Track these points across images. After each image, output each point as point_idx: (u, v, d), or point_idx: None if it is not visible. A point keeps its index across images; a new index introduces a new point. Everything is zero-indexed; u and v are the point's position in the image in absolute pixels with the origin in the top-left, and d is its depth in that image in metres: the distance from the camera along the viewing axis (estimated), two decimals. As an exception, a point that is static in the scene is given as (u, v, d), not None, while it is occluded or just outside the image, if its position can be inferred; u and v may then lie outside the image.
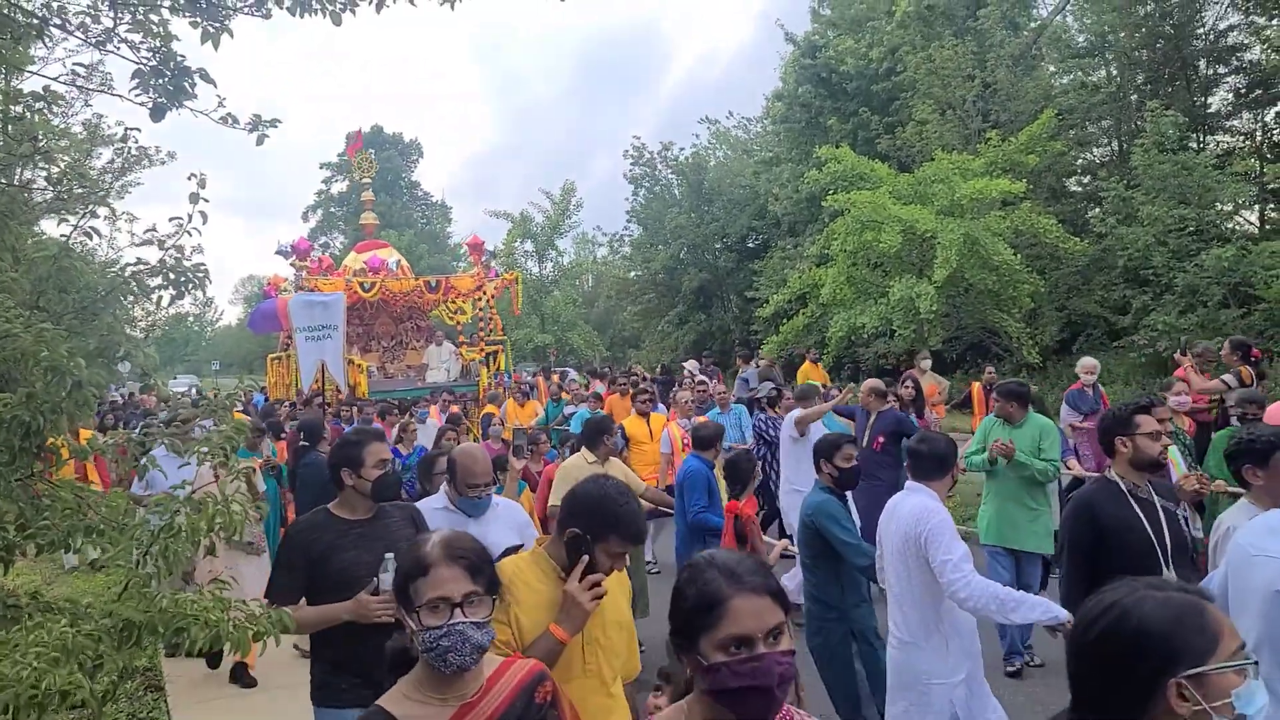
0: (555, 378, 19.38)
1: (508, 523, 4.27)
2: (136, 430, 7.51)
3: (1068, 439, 8.68)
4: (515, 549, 3.81)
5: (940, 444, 4.36)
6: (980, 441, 6.86)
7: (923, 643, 4.15)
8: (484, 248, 19.61)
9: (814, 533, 4.98)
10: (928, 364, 12.49)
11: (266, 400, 15.80)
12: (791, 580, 7.21)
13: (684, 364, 19.24)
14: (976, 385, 12.59)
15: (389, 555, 3.18)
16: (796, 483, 7.94)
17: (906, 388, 9.52)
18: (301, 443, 8.00)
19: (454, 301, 18.27)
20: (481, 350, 17.83)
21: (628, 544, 2.70)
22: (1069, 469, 7.89)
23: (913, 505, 4.17)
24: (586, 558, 2.64)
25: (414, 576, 2.03)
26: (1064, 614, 3.64)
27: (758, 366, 19.83)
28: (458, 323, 19.01)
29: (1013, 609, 3.83)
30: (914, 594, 4.16)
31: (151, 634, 2.48)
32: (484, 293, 17.88)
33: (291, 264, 16.91)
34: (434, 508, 4.17)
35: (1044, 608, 3.75)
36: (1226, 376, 8.66)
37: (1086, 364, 9.99)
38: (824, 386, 11.19)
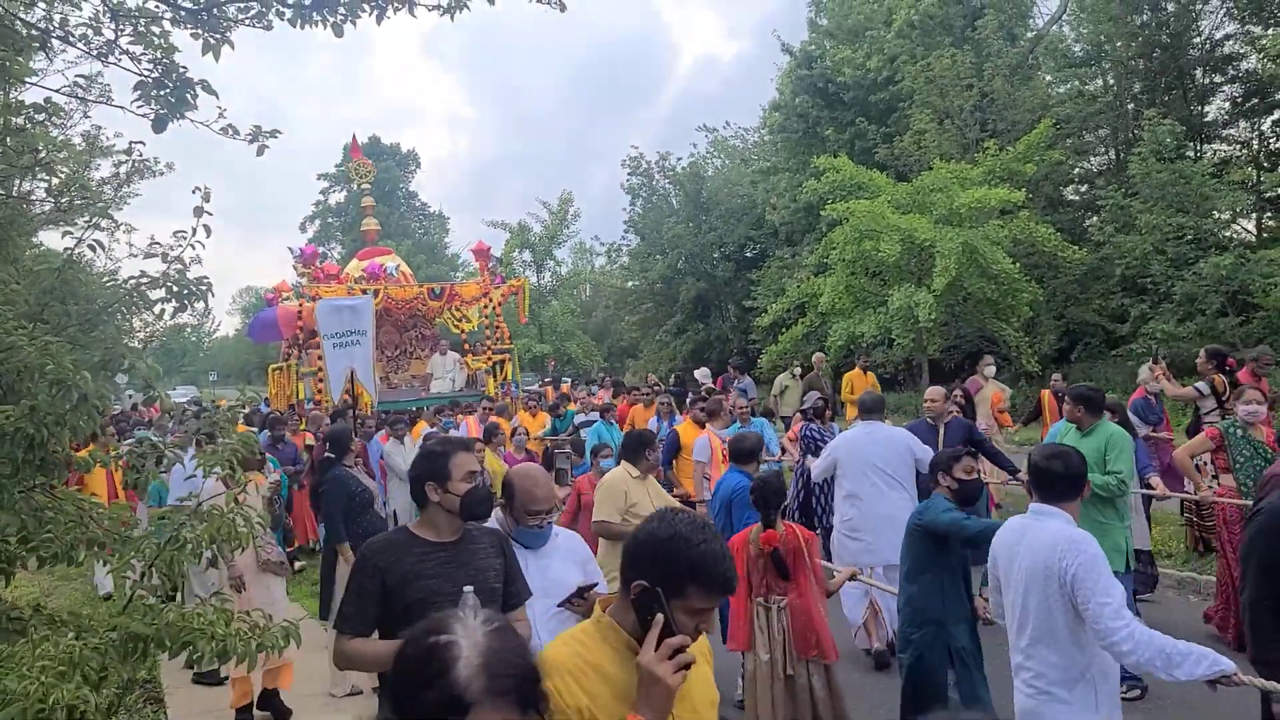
0: (565, 388, 19.05)
1: (570, 556, 3.85)
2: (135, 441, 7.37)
3: (1146, 452, 8.03)
4: (586, 589, 3.59)
5: (1075, 460, 3.79)
6: None
7: (1066, 694, 3.54)
8: (490, 253, 19.08)
9: (920, 536, 4.69)
10: (991, 370, 12.01)
11: (269, 411, 15.62)
12: (857, 607, 6.80)
13: (694, 372, 18.91)
14: (1046, 393, 11.75)
15: (468, 590, 2.56)
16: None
17: (956, 396, 8.98)
18: (327, 454, 7.51)
19: (458, 309, 17.94)
20: (488, 359, 17.38)
21: (715, 596, 2.06)
22: (1152, 487, 7.28)
23: (1053, 534, 3.56)
24: (661, 618, 1.97)
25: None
26: (1231, 666, 3.19)
27: (748, 375, 19.91)
28: (463, 331, 18.64)
29: (1178, 664, 3.23)
30: (1057, 636, 3.54)
31: (159, 647, 2.47)
32: (489, 300, 17.41)
33: (295, 267, 16.72)
34: None
35: (1210, 660, 3.21)
36: (1199, 384, 8.71)
37: (1147, 374, 9.60)
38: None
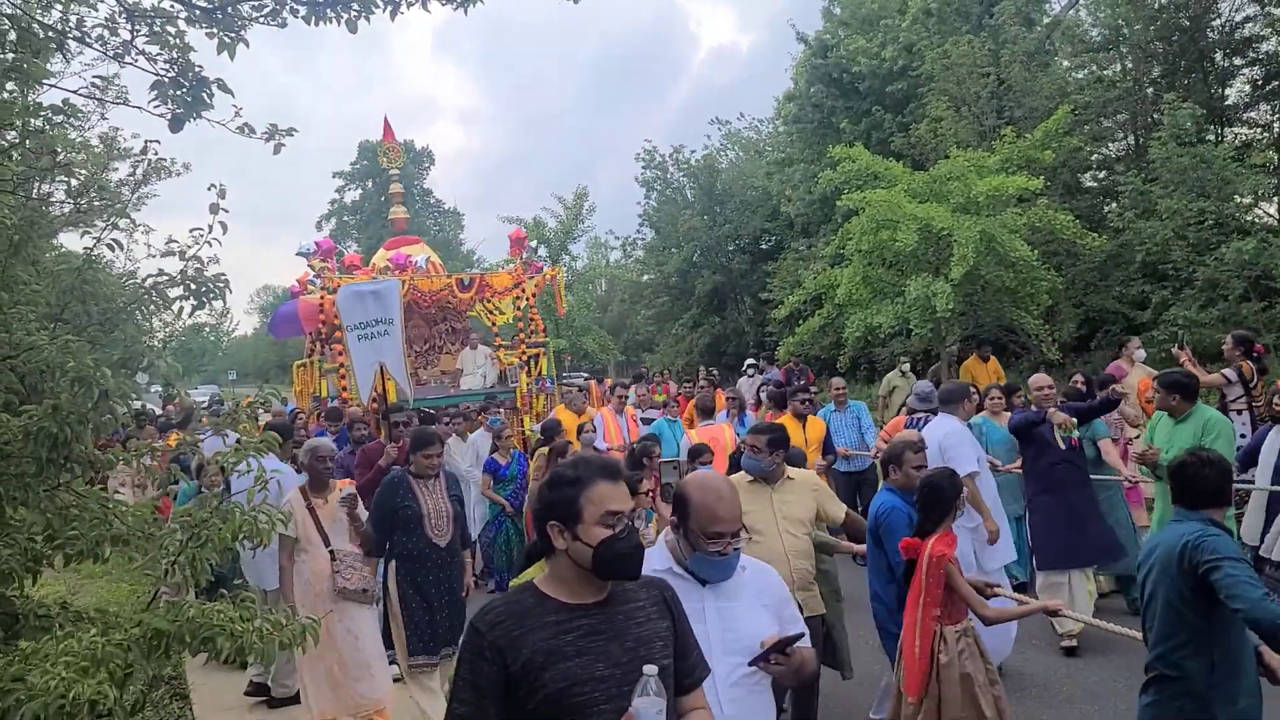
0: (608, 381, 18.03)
1: (761, 595, 2.95)
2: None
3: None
4: (788, 643, 2.76)
5: (1225, 465, 3.53)
6: (1148, 441, 6.39)
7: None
8: (526, 242, 17.76)
9: (1186, 577, 3.49)
10: (1141, 353, 11.23)
11: (295, 411, 14.81)
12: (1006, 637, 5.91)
13: (746, 364, 18.04)
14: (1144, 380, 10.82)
15: (649, 672, 2.19)
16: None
17: (1077, 383, 8.50)
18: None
19: (489, 301, 17.06)
20: (521, 353, 16.30)
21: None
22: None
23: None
24: None
25: None
26: None
27: (774, 366, 19.81)
28: (494, 323, 17.77)
29: None
30: None
31: (180, 644, 2.49)
32: (523, 290, 16.34)
33: (311, 264, 15.74)
34: (652, 569, 2.78)
35: None
36: (1226, 371, 8.62)
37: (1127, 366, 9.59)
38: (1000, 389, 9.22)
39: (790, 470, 5.21)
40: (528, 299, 16.43)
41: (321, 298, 14.74)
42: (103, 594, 9.55)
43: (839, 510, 5.37)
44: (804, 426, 8.83)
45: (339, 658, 5.72)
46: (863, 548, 5.36)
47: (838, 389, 10.83)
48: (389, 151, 18.39)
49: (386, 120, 18.73)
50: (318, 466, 5.98)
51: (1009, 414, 8.16)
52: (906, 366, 14.17)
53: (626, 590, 2.43)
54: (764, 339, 27.30)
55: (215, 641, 2.55)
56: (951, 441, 6.51)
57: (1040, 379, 7.63)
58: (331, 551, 5.78)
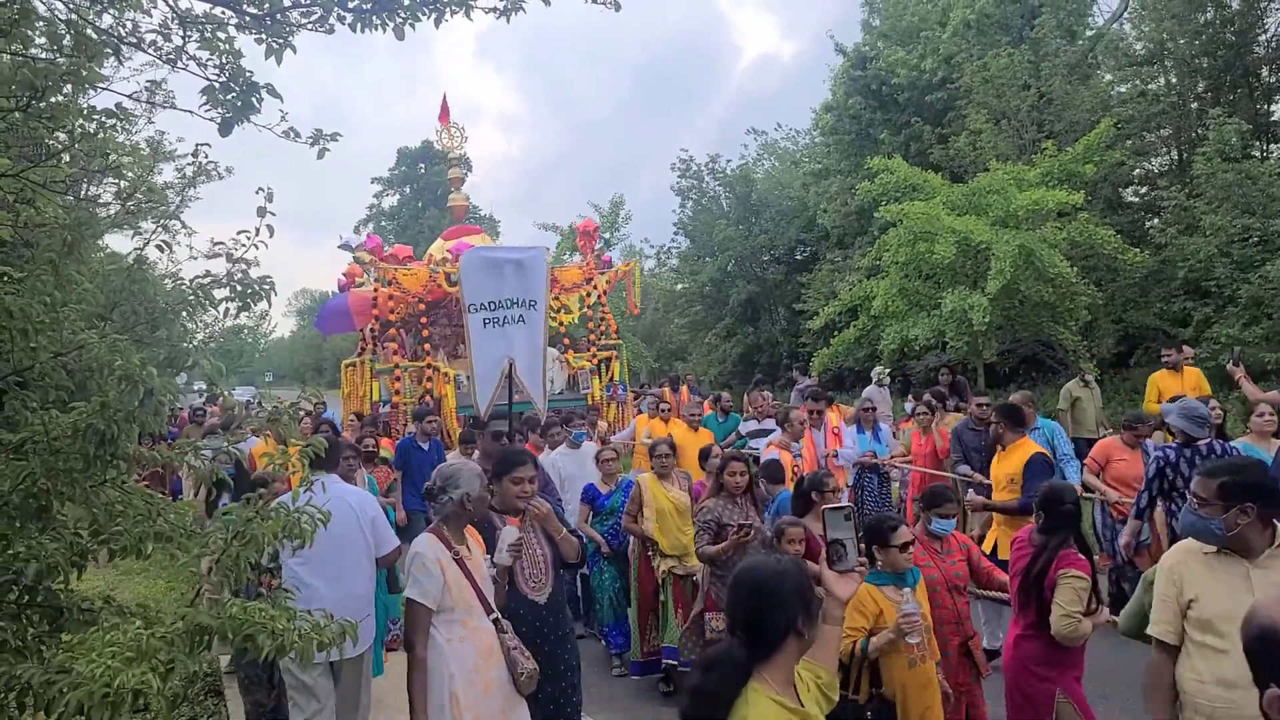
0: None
1: None
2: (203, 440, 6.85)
3: None
4: None
5: None
6: None
7: None
8: (597, 234, 16.13)
9: None
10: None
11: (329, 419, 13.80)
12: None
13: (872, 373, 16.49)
14: None
15: None
16: None
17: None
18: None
19: (557, 298, 15.29)
20: (593, 357, 14.83)
21: None
22: None
23: None
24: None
25: None
26: None
27: (806, 377, 19.70)
28: (561, 323, 16.07)
29: None
30: None
31: (222, 639, 2.52)
32: (594, 287, 14.86)
33: (358, 257, 14.68)
34: None
35: None
36: None
37: (1066, 397, 9.18)
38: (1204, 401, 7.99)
39: None
40: (599, 296, 15.03)
41: (375, 290, 13.71)
42: (141, 591, 9.68)
43: None
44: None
45: None
46: None
47: (865, 409, 10.28)
48: (448, 134, 17.18)
49: (445, 100, 17.39)
50: (485, 497, 4.23)
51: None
52: (1091, 377, 12.24)
53: None
54: (797, 350, 27.19)
55: (256, 639, 2.58)
56: None
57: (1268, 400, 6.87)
58: (496, 622, 4.09)
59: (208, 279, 3.33)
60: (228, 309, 3.38)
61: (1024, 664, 4.42)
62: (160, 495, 3.05)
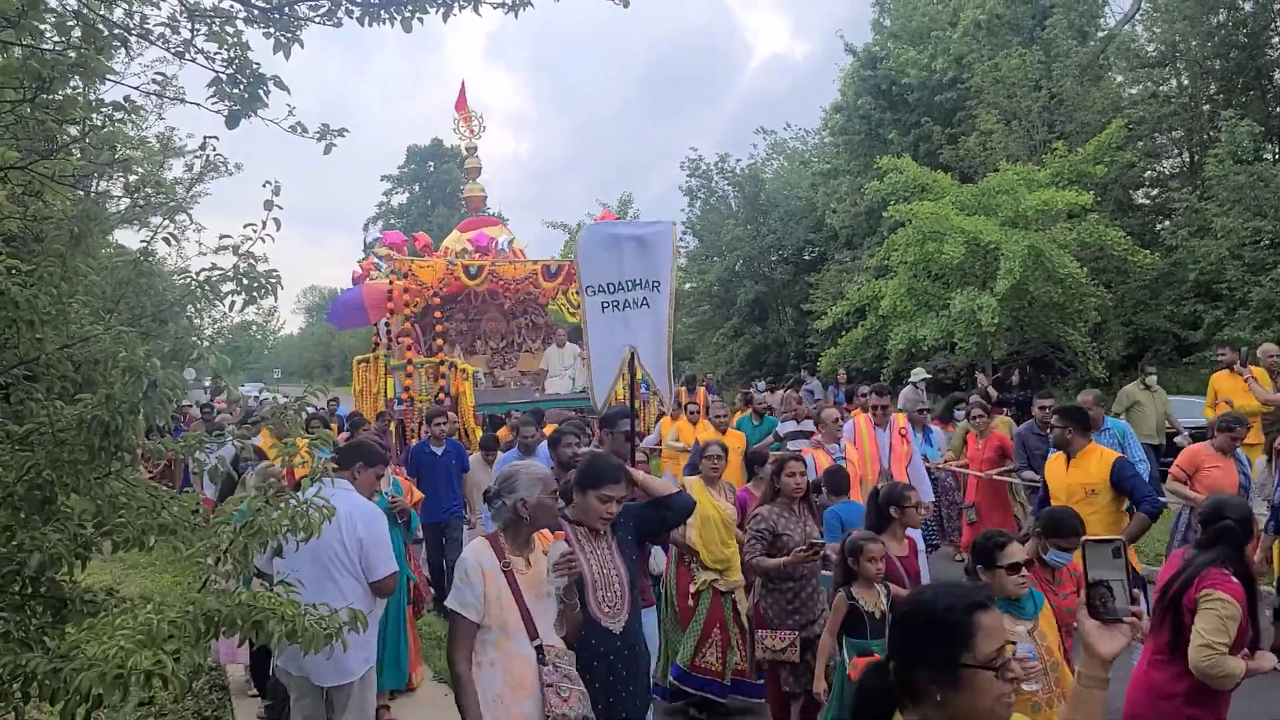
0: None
1: None
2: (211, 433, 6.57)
3: None
4: None
5: None
6: None
7: None
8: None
9: None
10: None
11: (352, 414, 13.01)
12: None
13: (912, 373, 15.72)
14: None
15: None
16: None
17: None
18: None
19: (577, 293, 15.04)
20: None
21: None
22: None
23: None
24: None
25: None
26: None
27: (814, 377, 19.67)
28: (582, 319, 15.90)
29: None
30: None
31: (230, 625, 2.52)
32: None
33: (376, 252, 14.21)
34: None
35: None
36: None
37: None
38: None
39: None
40: None
41: (391, 283, 13.23)
42: (146, 584, 9.70)
43: None
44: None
45: None
46: None
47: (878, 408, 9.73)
48: (464, 123, 16.39)
49: (463, 88, 16.68)
50: (550, 506, 3.72)
51: None
52: (1153, 379, 11.33)
53: None
54: (805, 350, 27.16)
55: (266, 625, 2.57)
56: None
57: None
58: (540, 648, 3.53)
59: (215, 273, 3.33)
60: (234, 303, 3.38)
61: (1150, 694, 3.84)
62: (165, 488, 3.05)
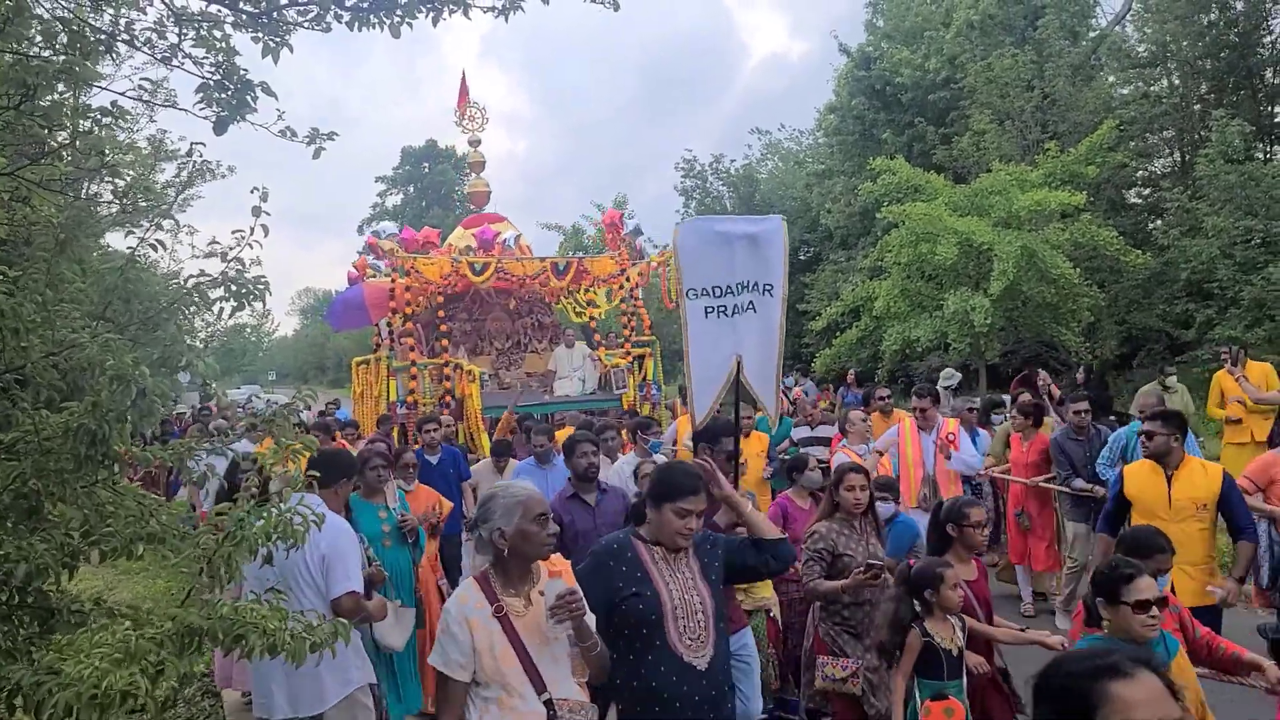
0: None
1: None
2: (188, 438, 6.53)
3: None
4: None
5: None
6: None
7: None
8: (623, 225, 14.64)
9: None
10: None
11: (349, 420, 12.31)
12: None
13: (940, 374, 15.17)
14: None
15: None
16: None
17: None
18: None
19: (588, 290, 14.50)
20: (625, 354, 13.61)
21: None
22: None
23: None
24: None
25: None
26: None
27: (808, 378, 19.67)
28: (590, 318, 15.28)
29: None
30: None
31: (212, 640, 2.51)
32: (627, 279, 13.73)
33: (382, 245, 13.64)
34: None
35: None
36: None
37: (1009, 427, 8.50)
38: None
39: None
40: (631, 289, 13.89)
41: (393, 281, 12.58)
42: (140, 590, 9.68)
43: None
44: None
45: None
46: None
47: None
48: (467, 114, 15.60)
49: (464, 79, 15.74)
50: (535, 534, 3.19)
51: None
52: (1173, 379, 10.99)
53: None
54: (800, 350, 27.17)
55: (248, 639, 2.55)
56: None
57: None
58: (550, 704, 3.06)
59: (204, 278, 3.32)
60: (223, 308, 3.36)
61: None
62: (153, 496, 3.03)
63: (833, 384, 18.97)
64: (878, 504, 5.48)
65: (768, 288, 5.38)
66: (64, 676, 2.30)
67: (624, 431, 8.58)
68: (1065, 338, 17.61)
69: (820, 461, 6.82)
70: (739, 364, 5.31)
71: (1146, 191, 23.54)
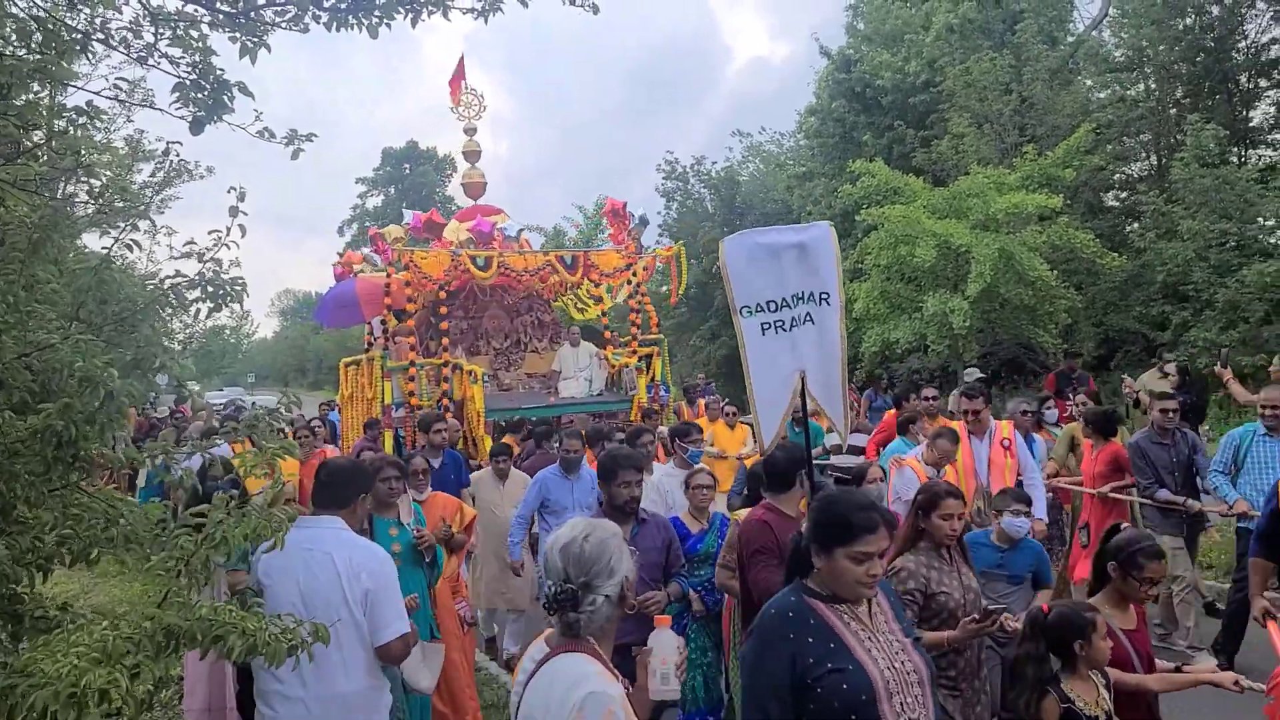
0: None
1: None
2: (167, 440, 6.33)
3: None
4: None
5: None
6: None
7: None
8: (628, 214, 13.56)
9: None
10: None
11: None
12: None
13: (964, 373, 14.70)
14: None
15: None
16: None
17: None
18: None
19: (595, 284, 13.66)
20: (633, 352, 12.87)
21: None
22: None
23: None
24: None
25: None
26: None
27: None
28: (601, 313, 14.52)
29: None
30: None
31: (190, 641, 2.49)
32: (634, 274, 12.90)
33: (382, 233, 13.10)
34: None
35: None
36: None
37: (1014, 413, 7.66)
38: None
39: None
40: (638, 284, 13.08)
41: (389, 276, 11.94)
42: (116, 593, 9.59)
43: None
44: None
45: None
46: None
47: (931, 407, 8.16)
48: (468, 100, 14.44)
49: (461, 62, 14.42)
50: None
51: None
52: (1172, 367, 10.30)
53: None
54: (780, 352, 27.20)
55: (227, 640, 2.53)
56: None
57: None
58: None
59: (180, 279, 3.30)
60: (199, 310, 3.35)
61: None
62: (124, 498, 3.01)
63: (859, 388, 18.33)
64: (1014, 520, 4.93)
65: (824, 296, 5.10)
66: (39, 676, 2.28)
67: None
68: (1043, 339, 17.75)
69: (846, 470, 6.25)
70: (803, 380, 5.04)
71: (1123, 194, 23.76)
